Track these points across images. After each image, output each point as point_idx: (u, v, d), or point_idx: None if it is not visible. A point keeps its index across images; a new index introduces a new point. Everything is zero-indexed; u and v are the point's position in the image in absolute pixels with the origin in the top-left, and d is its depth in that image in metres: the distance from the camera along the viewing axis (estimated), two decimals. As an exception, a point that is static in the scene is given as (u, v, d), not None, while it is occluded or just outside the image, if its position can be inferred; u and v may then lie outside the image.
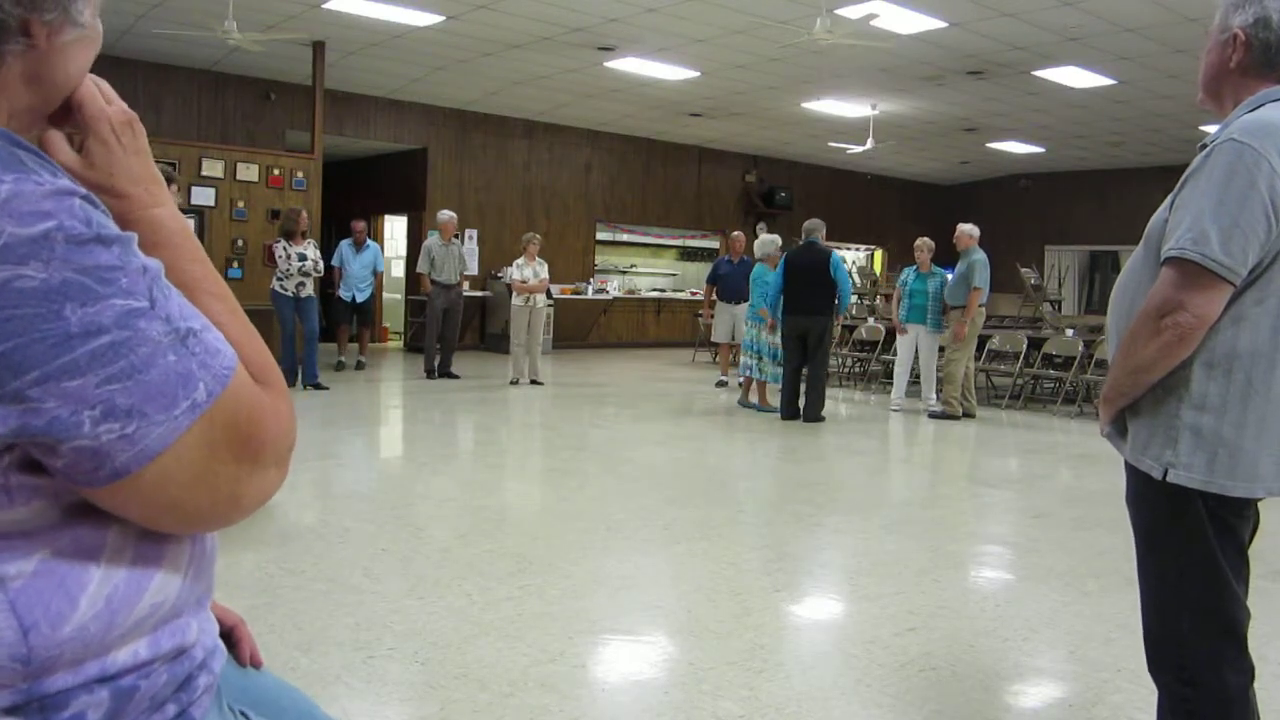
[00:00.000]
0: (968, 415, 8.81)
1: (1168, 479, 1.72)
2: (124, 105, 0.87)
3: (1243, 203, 1.61)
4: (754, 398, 8.90)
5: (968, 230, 8.81)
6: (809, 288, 8.14)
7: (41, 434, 0.70)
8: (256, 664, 1.11)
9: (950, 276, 8.88)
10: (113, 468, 0.72)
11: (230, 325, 0.84)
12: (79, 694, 0.76)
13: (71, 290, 0.69)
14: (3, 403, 0.68)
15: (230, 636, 1.10)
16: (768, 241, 8.91)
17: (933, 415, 8.74)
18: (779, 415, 8.32)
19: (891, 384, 9.47)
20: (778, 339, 8.59)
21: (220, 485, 0.78)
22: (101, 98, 0.86)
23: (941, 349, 9.21)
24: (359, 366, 10.99)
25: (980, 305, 8.66)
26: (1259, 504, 1.79)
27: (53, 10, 0.77)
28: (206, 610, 0.90)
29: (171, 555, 0.82)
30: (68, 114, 0.85)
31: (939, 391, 8.92)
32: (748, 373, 8.97)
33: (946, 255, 9.05)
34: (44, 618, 0.73)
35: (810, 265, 8.18)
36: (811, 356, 8.17)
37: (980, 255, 8.62)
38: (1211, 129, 1.82)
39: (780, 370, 8.59)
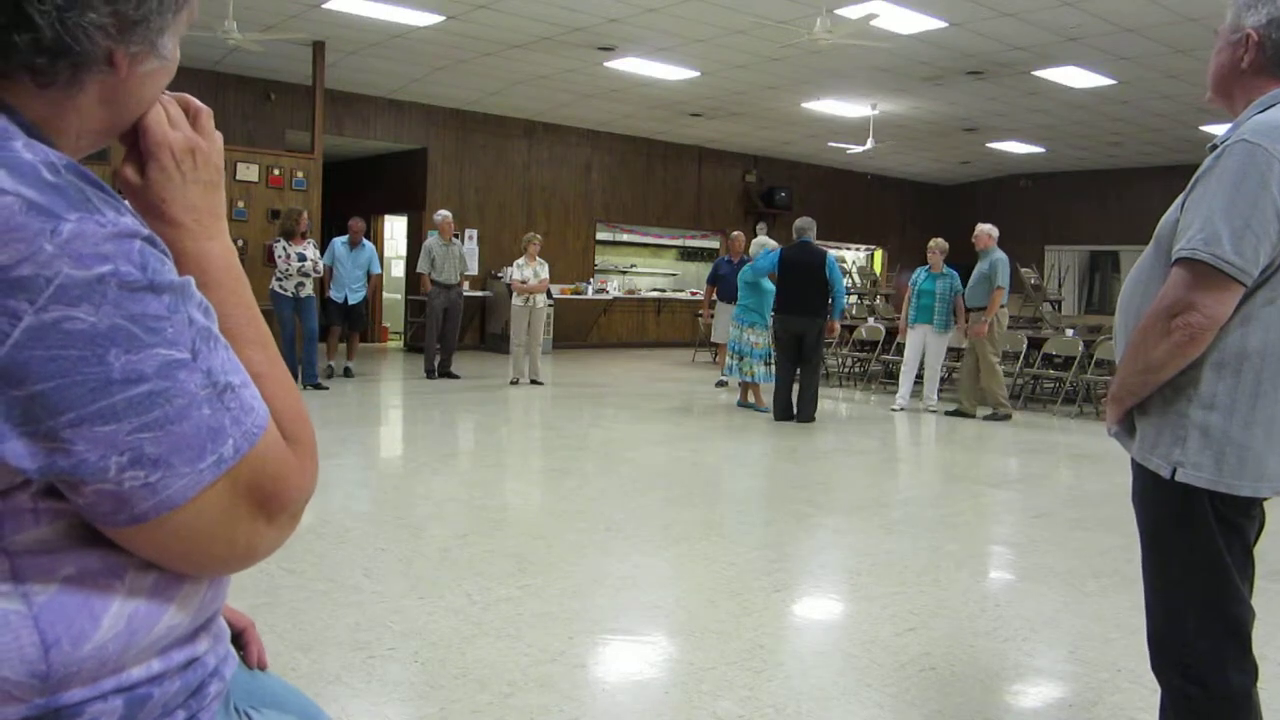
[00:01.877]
0: (967, 415, 8.82)
1: (1176, 478, 1.72)
2: (189, 132, 0.88)
3: (1254, 203, 1.61)
4: (751, 398, 8.90)
5: (987, 230, 8.80)
6: (804, 288, 8.11)
7: (67, 474, 0.70)
8: (262, 666, 1.11)
9: (957, 277, 8.94)
10: (131, 514, 0.72)
11: (267, 376, 0.84)
12: (94, 703, 0.77)
13: (118, 336, 0.69)
14: (35, 440, 0.68)
15: (239, 639, 1.10)
16: (758, 244, 8.92)
17: (986, 419, 8.72)
18: (771, 415, 8.32)
19: (892, 383, 9.47)
20: (759, 339, 8.60)
21: (237, 539, 0.79)
22: (168, 122, 0.86)
23: (950, 349, 9.22)
24: (347, 374, 10.13)
25: (1002, 305, 8.68)
26: (1265, 503, 1.79)
27: (140, 43, 0.78)
28: (219, 620, 0.91)
29: (192, 581, 0.83)
30: (135, 134, 0.85)
31: (941, 392, 8.92)
32: (729, 374, 8.98)
33: (953, 256, 9.07)
34: (66, 635, 0.74)
35: (805, 265, 8.13)
36: (807, 358, 8.15)
37: (1001, 255, 8.64)
38: (1212, 128, 1.82)
39: (767, 369, 8.59)
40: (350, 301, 10.09)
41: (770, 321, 8.68)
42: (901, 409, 9.09)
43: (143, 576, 0.78)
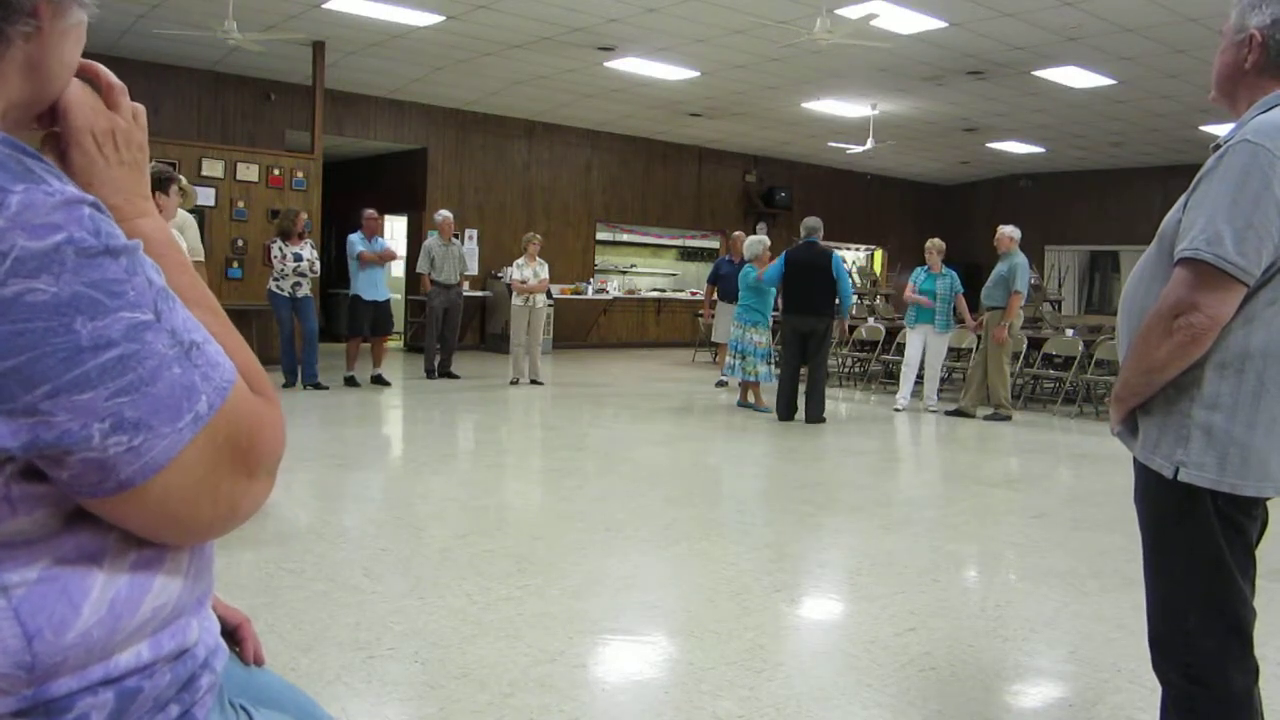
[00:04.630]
0: (968, 415, 8.82)
1: (1178, 478, 1.72)
2: (108, 114, 0.87)
3: (1257, 204, 1.61)
4: (751, 398, 8.90)
5: (1009, 233, 8.78)
6: (810, 287, 8.11)
7: (51, 446, 0.70)
8: (259, 662, 1.11)
9: (956, 277, 8.97)
10: (118, 480, 0.72)
11: (223, 337, 0.84)
12: (84, 696, 0.76)
13: (82, 303, 0.69)
14: (15, 416, 0.68)
15: (235, 635, 1.10)
16: (755, 243, 8.92)
17: (987, 419, 8.72)
18: (775, 415, 8.31)
19: (893, 383, 9.46)
20: (761, 338, 8.60)
21: (221, 497, 0.79)
22: (87, 106, 0.85)
23: (950, 349, 9.20)
24: (377, 380, 9.53)
25: (1019, 308, 8.69)
26: (1267, 503, 1.80)
27: None
28: (207, 610, 0.90)
29: (172, 558, 0.83)
30: (54, 118, 0.84)
31: (941, 392, 8.92)
32: (730, 373, 8.97)
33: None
34: (48, 624, 0.73)
35: (810, 265, 8.14)
36: (811, 357, 8.16)
37: (1022, 259, 8.63)
38: (1212, 128, 1.82)
39: (769, 368, 8.59)
40: (379, 300, 9.53)
41: (772, 321, 8.68)
42: (902, 409, 9.10)
43: (121, 559, 0.78)
